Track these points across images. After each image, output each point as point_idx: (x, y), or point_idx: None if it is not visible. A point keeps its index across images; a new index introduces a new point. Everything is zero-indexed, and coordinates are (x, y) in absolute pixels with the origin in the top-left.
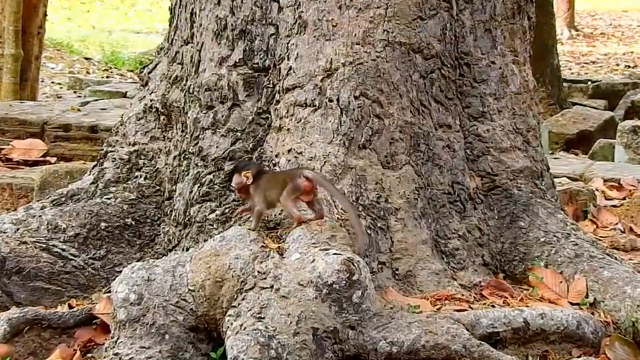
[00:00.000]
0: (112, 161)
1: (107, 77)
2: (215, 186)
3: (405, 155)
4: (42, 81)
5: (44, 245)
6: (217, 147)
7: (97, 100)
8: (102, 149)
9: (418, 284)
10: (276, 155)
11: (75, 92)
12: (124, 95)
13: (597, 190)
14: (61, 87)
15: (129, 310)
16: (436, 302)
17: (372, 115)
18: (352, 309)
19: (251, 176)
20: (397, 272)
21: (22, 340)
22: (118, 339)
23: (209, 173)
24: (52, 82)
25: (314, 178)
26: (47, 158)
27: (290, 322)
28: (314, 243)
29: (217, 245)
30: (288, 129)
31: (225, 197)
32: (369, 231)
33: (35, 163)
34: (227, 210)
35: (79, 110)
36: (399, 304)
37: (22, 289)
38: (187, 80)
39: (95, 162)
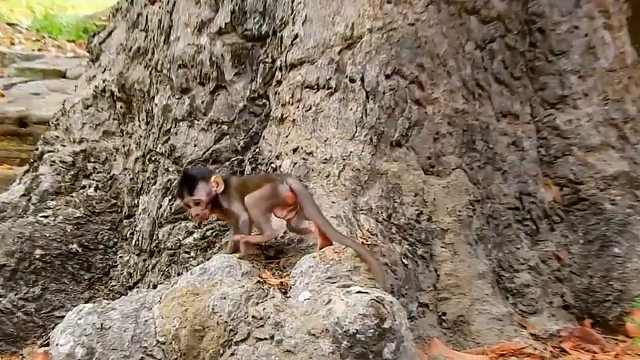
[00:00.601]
0: (51, 165)
1: (39, 49)
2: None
3: (456, 156)
4: None
5: None
6: (195, 145)
7: (26, 81)
8: (36, 149)
9: (474, 333)
10: (277, 157)
11: None
12: (63, 74)
13: None
14: None
15: None
16: (499, 358)
17: (409, 101)
18: None
19: (222, 182)
20: (444, 317)
21: None
22: None
23: None
24: None
25: (298, 192)
26: None
27: None
28: (329, 277)
29: (196, 280)
30: (293, 121)
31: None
32: (405, 261)
33: None
34: (209, 233)
35: (2, 95)
36: None
37: None
38: (153, 54)
39: (27, 167)
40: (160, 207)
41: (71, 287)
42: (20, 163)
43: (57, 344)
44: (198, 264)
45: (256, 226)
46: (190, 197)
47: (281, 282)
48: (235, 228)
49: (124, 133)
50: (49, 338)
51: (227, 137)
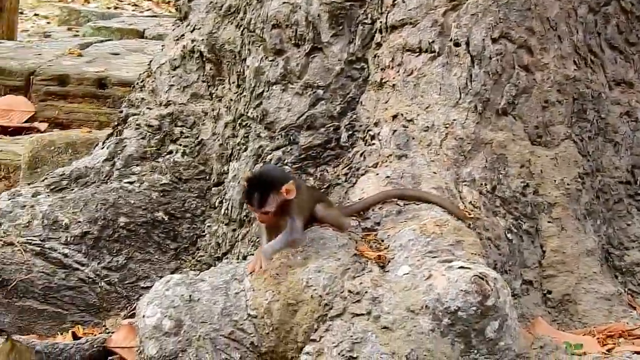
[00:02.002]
0: (136, 129)
1: (115, 7)
2: (286, 167)
3: (565, 126)
4: (22, 13)
5: (38, 249)
6: (288, 110)
7: (102, 41)
8: (120, 111)
9: (580, 313)
10: (375, 124)
11: (70, 29)
12: (141, 34)
13: None
14: (49, 22)
15: (162, 344)
16: (606, 340)
17: (517, 67)
18: (484, 348)
19: (294, 190)
20: (549, 295)
21: None
22: None
23: (277, 148)
24: (36, 15)
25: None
26: (35, 124)
27: None
28: (430, 251)
29: (289, 252)
30: (393, 86)
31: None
32: (509, 236)
33: (18, 130)
34: None
35: (80, 54)
36: (552, 341)
37: (6, 309)
38: (245, 12)
39: (111, 131)
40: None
41: (156, 256)
42: (99, 126)
43: (143, 316)
44: None
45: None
46: (259, 209)
47: (379, 256)
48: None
49: (213, 96)
50: (133, 309)
51: (323, 102)
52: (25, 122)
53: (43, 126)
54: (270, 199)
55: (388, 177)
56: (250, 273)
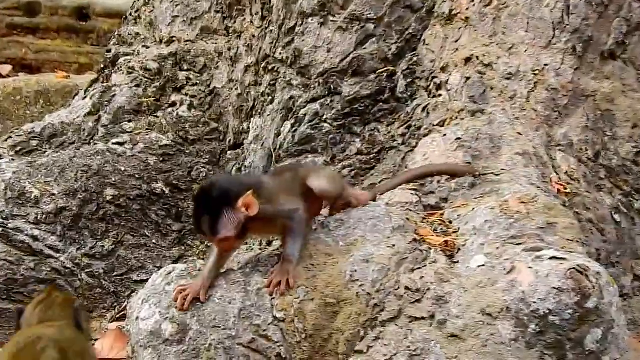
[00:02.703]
0: (128, 74)
1: None
2: (325, 124)
3: None
4: None
5: (0, 229)
6: (328, 50)
7: None
8: (107, 51)
9: None
10: (442, 69)
11: None
12: None
13: None
14: None
15: (162, 354)
16: None
17: None
18: None
19: (255, 202)
20: None
21: None
22: None
23: (313, 100)
24: None
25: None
26: None
27: None
28: (513, 237)
29: (329, 236)
30: (466, 19)
31: (346, 145)
32: (617, 217)
33: None
34: (347, 167)
35: None
36: None
37: None
38: None
39: (95, 76)
40: (279, 134)
41: (154, 241)
42: (78, 70)
43: (137, 318)
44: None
45: (344, 196)
46: (213, 236)
47: (446, 242)
48: (286, 234)
49: (230, 31)
50: (123, 309)
51: (374, 39)
52: None
53: (6, 69)
54: (224, 220)
55: (459, 138)
56: (271, 295)
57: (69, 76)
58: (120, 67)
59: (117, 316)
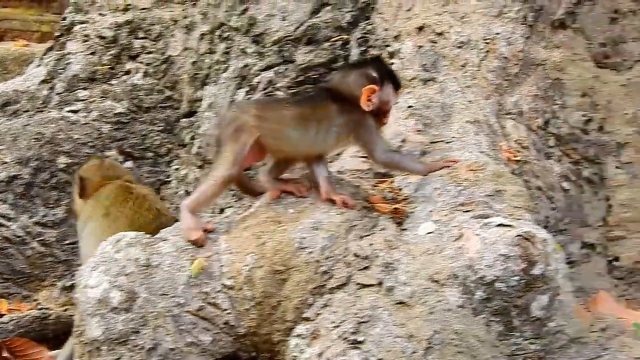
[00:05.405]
0: (84, 42)
1: None
2: (279, 92)
3: None
4: None
5: None
6: (283, 18)
7: None
8: (63, 18)
9: None
10: (395, 38)
11: None
12: None
13: None
14: None
15: (110, 323)
16: None
17: None
18: (529, 330)
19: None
20: (616, 262)
21: None
22: None
23: (268, 68)
24: None
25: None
26: None
27: (414, 354)
28: (461, 204)
29: (278, 203)
30: None
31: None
32: (566, 185)
33: None
34: None
35: None
36: (618, 322)
37: None
38: None
39: (52, 43)
40: (233, 102)
41: None
42: (40, 38)
43: (85, 286)
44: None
45: None
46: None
47: (395, 209)
48: None
49: None
50: (73, 278)
51: (328, 8)
52: None
53: None
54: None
55: (410, 107)
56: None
57: (29, 44)
58: (76, 35)
59: (67, 285)
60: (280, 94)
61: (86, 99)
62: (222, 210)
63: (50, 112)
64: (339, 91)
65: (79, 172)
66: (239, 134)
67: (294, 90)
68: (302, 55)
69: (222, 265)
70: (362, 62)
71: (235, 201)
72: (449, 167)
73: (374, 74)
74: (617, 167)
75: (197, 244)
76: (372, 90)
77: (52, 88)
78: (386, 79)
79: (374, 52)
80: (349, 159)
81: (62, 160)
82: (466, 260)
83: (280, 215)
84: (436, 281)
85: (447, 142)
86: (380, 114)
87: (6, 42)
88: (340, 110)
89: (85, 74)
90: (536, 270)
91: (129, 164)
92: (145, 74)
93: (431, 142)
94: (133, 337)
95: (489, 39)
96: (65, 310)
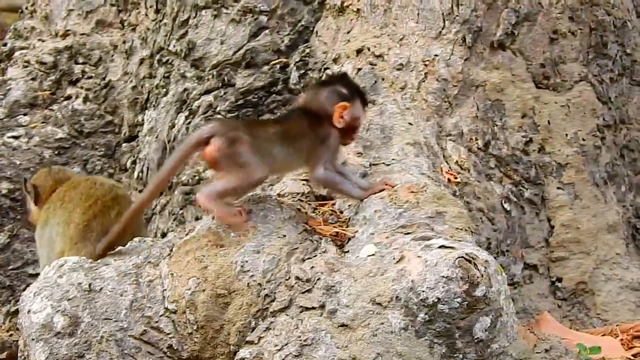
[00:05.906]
0: (24, 67)
1: None
2: (219, 116)
3: (580, 64)
4: None
5: None
6: (222, 42)
7: None
8: (3, 45)
9: (599, 306)
10: (334, 60)
11: None
12: None
13: None
14: None
15: (53, 347)
16: (632, 341)
17: None
18: (472, 351)
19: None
20: (559, 284)
21: None
22: None
23: (207, 92)
24: None
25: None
26: None
27: None
28: (403, 226)
29: (220, 227)
30: (357, 10)
31: None
32: (507, 206)
33: None
34: None
35: None
36: (561, 343)
37: None
38: None
39: None
40: (173, 126)
41: None
42: None
43: (29, 311)
44: None
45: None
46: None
47: (336, 232)
48: None
49: (125, 24)
50: (16, 303)
51: (267, 31)
52: None
53: None
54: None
55: None
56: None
57: None
58: (16, 60)
59: (12, 312)
60: (220, 117)
61: (27, 125)
62: (164, 234)
63: None
64: (311, 109)
65: (30, 181)
66: (235, 147)
67: (234, 114)
68: (242, 79)
69: (164, 290)
70: (331, 80)
71: (176, 225)
72: (385, 189)
73: (344, 91)
74: (558, 188)
75: (238, 228)
76: (344, 107)
77: None
78: (355, 95)
79: (313, 75)
80: (290, 182)
81: (4, 186)
82: (408, 283)
83: (222, 238)
84: (378, 303)
85: (388, 164)
86: (349, 130)
87: None
88: (311, 126)
89: (26, 100)
90: (478, 292)
91: None
92: (86, 99)
93: (371, 164)
94: None
95: (428, 60)
96: (10, 335)
